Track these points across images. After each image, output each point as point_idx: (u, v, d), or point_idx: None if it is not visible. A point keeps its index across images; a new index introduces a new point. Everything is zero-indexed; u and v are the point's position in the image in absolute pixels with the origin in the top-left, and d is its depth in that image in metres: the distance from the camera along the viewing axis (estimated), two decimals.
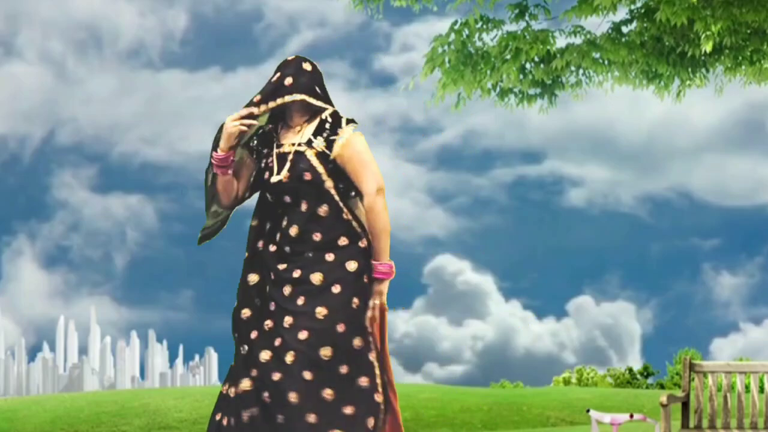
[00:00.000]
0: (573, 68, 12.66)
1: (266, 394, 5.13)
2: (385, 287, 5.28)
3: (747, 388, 10.32)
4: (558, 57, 12.44)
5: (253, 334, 5.25)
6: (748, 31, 12.10)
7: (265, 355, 5.16)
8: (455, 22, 12.52)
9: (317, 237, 5.23)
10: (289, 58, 5.38)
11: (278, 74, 5.32)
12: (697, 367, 10.16)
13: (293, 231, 5.24)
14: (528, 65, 12.61)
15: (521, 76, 12.57)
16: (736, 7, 11.69)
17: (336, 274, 5.22)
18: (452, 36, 12.50)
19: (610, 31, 12.49)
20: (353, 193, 5.33)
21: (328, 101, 5.37)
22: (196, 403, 19.58)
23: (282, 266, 5.25)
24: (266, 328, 5.22)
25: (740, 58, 12.43)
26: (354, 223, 5.28)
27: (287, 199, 5.27)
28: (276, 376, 5.12)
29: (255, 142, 5.39)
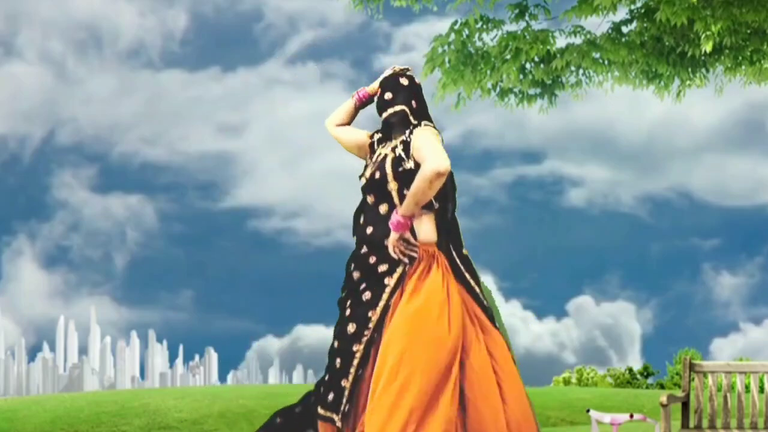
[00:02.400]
0: (573, 68, 12.66)
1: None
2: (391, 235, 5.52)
3: (747, 388, 10.32)
4: (558, 57, 12.44)
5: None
6: (748, 31, 12.10)
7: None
8: (455, 22, 12.52)
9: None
10: (388, 73, 5.75)
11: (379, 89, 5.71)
12: (697, 367, 10.15)
13: (369, 230, 5.59)
14: (528, 65, 12.61)
15: (521, 76, 12.57)
16: (736, 7, 11.69)
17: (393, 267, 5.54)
18: (452, 36, 12.50)
19: (610, 31, 12.48)
20: None
21: (425, 113, 5.69)
22: (196, 403, 19.54)
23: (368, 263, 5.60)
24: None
25: (740, 58, 12.43)
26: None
27: (369, 199, 5.62)
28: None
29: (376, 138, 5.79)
